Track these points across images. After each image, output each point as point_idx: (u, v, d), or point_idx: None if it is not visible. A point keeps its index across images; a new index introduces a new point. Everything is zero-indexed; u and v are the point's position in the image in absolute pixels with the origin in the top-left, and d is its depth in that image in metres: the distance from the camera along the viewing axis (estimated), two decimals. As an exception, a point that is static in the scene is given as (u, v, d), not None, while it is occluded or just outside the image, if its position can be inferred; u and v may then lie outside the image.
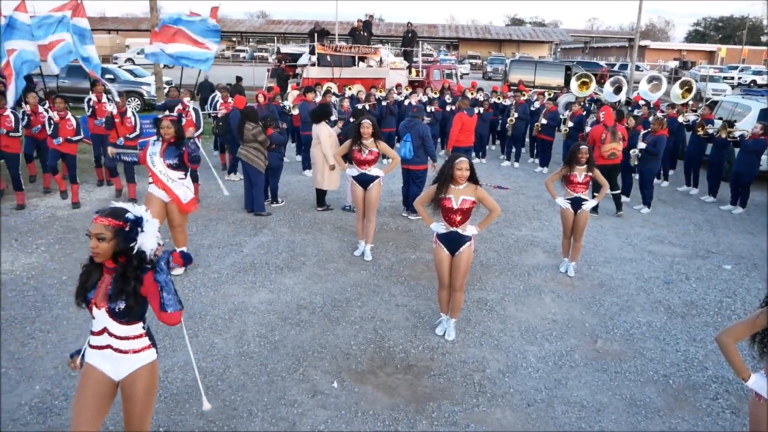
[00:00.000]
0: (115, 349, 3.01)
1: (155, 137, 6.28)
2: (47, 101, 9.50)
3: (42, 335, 5.09)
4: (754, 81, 39.33)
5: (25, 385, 4.39)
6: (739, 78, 40.60)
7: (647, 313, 6.06)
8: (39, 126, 8.93)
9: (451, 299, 5.25)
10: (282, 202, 9.27)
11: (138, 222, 2.91)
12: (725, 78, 38.65)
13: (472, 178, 4.94)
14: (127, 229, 2.87)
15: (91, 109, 9.65)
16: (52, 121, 8.55)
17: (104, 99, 9.69)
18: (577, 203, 6.73)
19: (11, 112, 8.58)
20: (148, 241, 2.93)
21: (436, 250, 5.18)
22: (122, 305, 2.90)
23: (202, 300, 5.86)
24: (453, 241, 5.05)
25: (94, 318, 3.00)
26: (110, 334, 2.99)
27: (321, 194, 9.01)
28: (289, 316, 5.61)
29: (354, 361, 4.90)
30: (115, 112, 8.93)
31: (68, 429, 3.90)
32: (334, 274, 6.65)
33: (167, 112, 8.64)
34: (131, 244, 2.88)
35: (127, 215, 2.89)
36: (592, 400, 4.52)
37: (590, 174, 6.68)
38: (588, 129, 11.48)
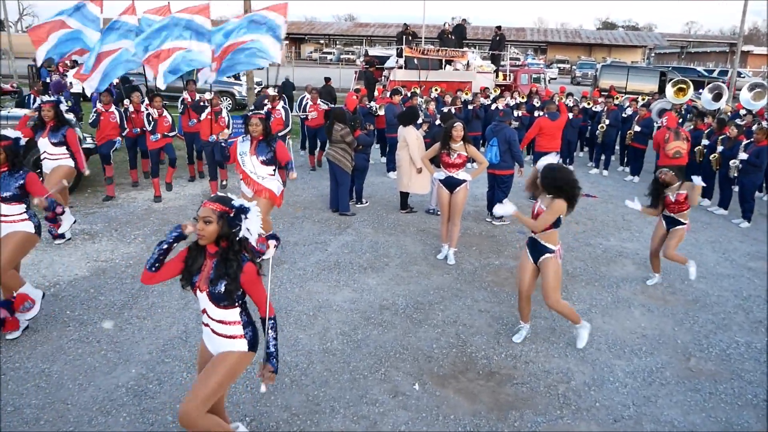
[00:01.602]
0: (212, 330, 3.27)
1: (243, 135, 6.53)
2: (146, 99, 10.07)
3: (138, 321, 5.40)
4: None
5: (122, 367, 4.67)
6: None
7: (746, 333, 5.72)
8: (138, 129, 9.44)
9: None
10: (366, 202, 9.40)
11: (242, 210, 3.12)
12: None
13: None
14: (231, 214, 3.09)
15: (183, 107, 10.14)
16: (151, 118, 9.06)
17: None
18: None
19: (116, 109, 9.16)
20: (253, 226, 3.13)
21: (522, 255, 5.20)
22: (222, 288, 3.12)
23: (288, 296, 6.04)
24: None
25: (197, 299, 3.26)
26: (209, 316, 3.25)
27: (405, 197, 9.07)
28: (372, 316, 5.69)
29: (436, 364, 4.91)
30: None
31: (161, 412, 4.14)
32: (416, 277, 6.68)
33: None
34: (234, 229, 3.08)
35: (232, 202, 3.12)
36: (684, 420, 4.32)
37: (684, 192, 6.37)
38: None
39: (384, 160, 12.29)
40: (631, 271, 7.10)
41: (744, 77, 31.05)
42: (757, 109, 13.23)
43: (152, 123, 9.02)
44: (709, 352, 5.32)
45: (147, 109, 9.15)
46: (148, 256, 6.75)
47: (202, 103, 9.62)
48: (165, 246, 3.20)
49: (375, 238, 7.88)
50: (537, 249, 5.02)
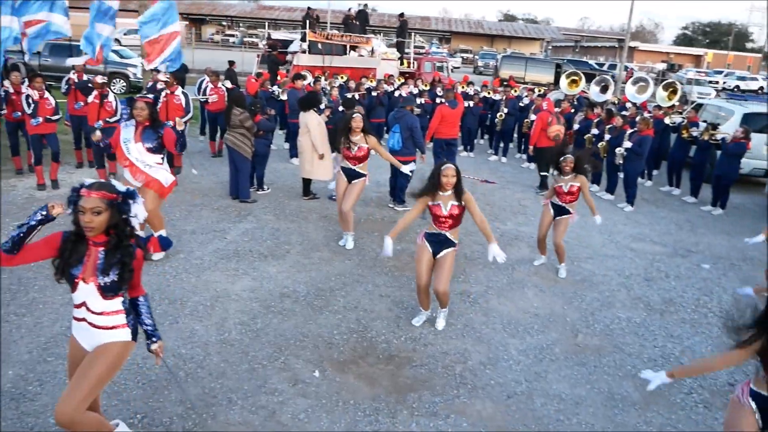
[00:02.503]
0: (90, 323, 3.06)
1: (126, 120, 6.15)
2: (26, 80, 9.33)
3: (17, 319, 5.01)
4: (737, 86, 39.75)
5: (-1, 368, 4.34)
6: (724, 83, 41.00)
7: (627, 309, 6.12)
8: (20, 113, 8.75)
9: (438, 299, 5.24)
10: (268, 189, 9.22)
11: (130, 194, 2.97)
12: (710, 82, 39.01)
13: (458, 187, 4.92)
14: (120, 200, 2.92)
15: (67, 87, 9.50)
16: (31, 100, 8.39)
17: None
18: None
19: None
20: (140, 211, 3.00)
21: (419, 246, 5.21)
22: (114, 278, 2.95)
23: (184, 286, 5.82)
24: (439, 243, 5.09)
25: (75, 292, 3.02)
26: (88, 309, 3.03)
27: (307, 183, 8.98)
28: (272, 305, 5.60)
29: (336, 350, 4.90)
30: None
31: (41, 415, 3.88)
32: (318, 263, 6.64)
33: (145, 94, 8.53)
34: (124, 216, 2.93)
35: (117, 188, 2.95)
36: (571, 393, 4.57)
37: (578, 184, 6.60)
38: (576, 126, 11.59)
39: (287, 145, 12.10)
40: (526, 254, 7.41)
41: (630, 70, 33.10)
42: (640, 101, 14.13)
43: (32, 105, 8.36)
44: (595, 328, 5.65)
45: (27, 90, 8.48)
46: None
47: (90, 84, 9.03)
48: (26, 229, 2.95)
49: (276, 225, 7.76)
50: (443, 243, 5.09)
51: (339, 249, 7.10)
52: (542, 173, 10.62)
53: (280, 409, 4.13)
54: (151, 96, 7.54)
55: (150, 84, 10.49)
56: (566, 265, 6.87)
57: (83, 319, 3.07)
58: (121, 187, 2.98)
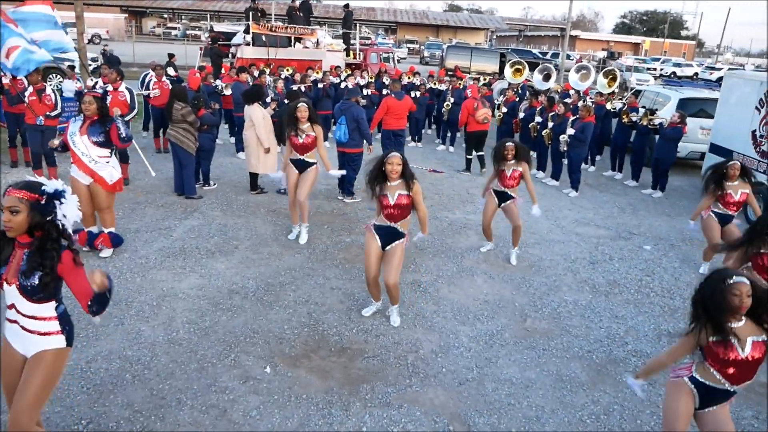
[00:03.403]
0: (22, 327, 2.95)
1: (76, 115, 6.01)
2: None
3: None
4: (674, 72, 41.21)
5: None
6: (661, 69, 42.46)
7: (573, 292, 6.27)
8: None
9: (388, 292, 5.19)
10: (214, 184, 9.04)
11: (55, 195, 2.85)
12: (648, 69, 40.33)
13: (405, 175, 4.90)
14: (43, 202, 2.81)
15: (4, 89, 9.07)
16: None
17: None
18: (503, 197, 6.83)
19: None
20: (70, 212, 2.88)
21: (368, 238, 5.15)
22: (35, 281, 2.83)
23: (129, 286, 5.66)
24: (388, 235, 5.05)
25: (4, 293, 2.92)
26: (18, 311, 2.92)
27: (254, 177, 8.84)
28: (221, 302, 5.50)
29: (287, 345, 4.86)
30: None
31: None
32: (267, 258, 6.55)
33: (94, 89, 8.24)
34: (49, 218, 2.82)
35: (43, 188, 2.84)
36: (521, 376, 4.65)
37: (520, 169, 6.68)
38: (521, 115, 11.77)
39: (233, 140, 11.89)
40: (475, 242, 7.49)
41: (572, 59, 33.85)
42: (583, 89, 14.45)
43: None
44: (543, 312, 5.77)
45: None
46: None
47: (18, 93, 8.62)
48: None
49: (223, 220, 7.61)
50: (392, 235, 5.05)
51: (288, 243, 7.02)
52: (468, 156, 11.18)
53: (231, 407, 4.06)
54: (99, 90, 7.28)
55: (92, 84, 10.13)
56: (516, 251, 6.97)
57: (15, 321, 2.96)
58: (50, 187, 2.86)
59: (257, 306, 5.47)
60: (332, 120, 12.63)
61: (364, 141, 8.54)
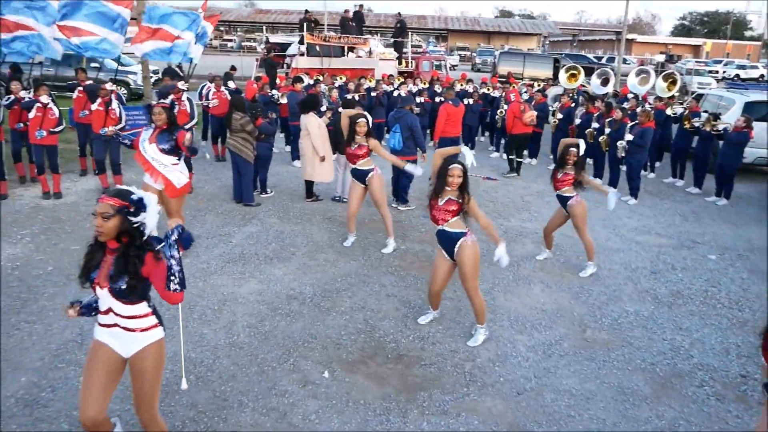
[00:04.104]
0: (123, 328, 3.12)
1: (147, 125, 6.30)
2: (32, 90, 9.34)
3: (28, 326, 5.04)
4: (737, 75, 39.67)
5: (11, 377, 4.34)
6: (724, 72, 40.91)
7: (634, 302, 6.11)
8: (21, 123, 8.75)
9: (471, 306, 5.12)
10: (271, 192, 9.23)
11: (141, 202, 3.02)
12: (710, 72, 38.93)
13: (463, 187, 4.82)
14: (131, 209, 2.98)
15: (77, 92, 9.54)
16: (35, 110, 8.38)
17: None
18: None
19: None
20: (151, 220, 3.05)
21: (437, 254, 5.14)
22: (123, 285, 3.00)
23: (191, 291, 5.83)
24: (443, 239, 4.98)
25: (98, 298, 3.10)
26: (116, 314, 3.10)
27: (310, 185, 8.98)
28: (279, 307, 5.61)
29: (344, 351, 4.91)
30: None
31: (55, 420, 3.89)
32: (323, 265, 6.64)
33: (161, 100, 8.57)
34: (135, 224, 2.99)
35: (131, 196, 3.01)
36: (581, 388, 4.56)
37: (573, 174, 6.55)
38: (578, 121, 11.58)
39: (288, 149, 12.11)
40: (531, 250, 7.40)
41: (629, 63, 33.07)
42: (642, 93, 14.10)
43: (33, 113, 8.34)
44: (603, 322, 5.64)
45: (32, 100, 8.48)
46: (36, 257, 6.35)
47: (97, 91, 9.04)
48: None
49: (281, 227, 7.76)
50: (449, 238, 4.94)
51: (344, 250, 7.11)
52: (511, 158, 11.49)
53: (291, 410, 4.13)
54: (167, 101, 7.60)
55: (162, 88, 10.52)
56: (572, 260, 6.84)
57: (115, 325, 3.13)
58: (136, 196, 3.03)
59: (315, 311, 5.55)
60: (385, 128, 12.76)
61: (418, 149, 8.55)
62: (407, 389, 4.44)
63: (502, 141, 13.31)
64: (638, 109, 10.48)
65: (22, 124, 8.69)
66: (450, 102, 10.26)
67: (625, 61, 30.91)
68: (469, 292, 5.04)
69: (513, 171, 11.44)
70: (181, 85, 9.65)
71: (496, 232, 5.05)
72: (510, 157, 11.49)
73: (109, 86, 8.88)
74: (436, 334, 5.23)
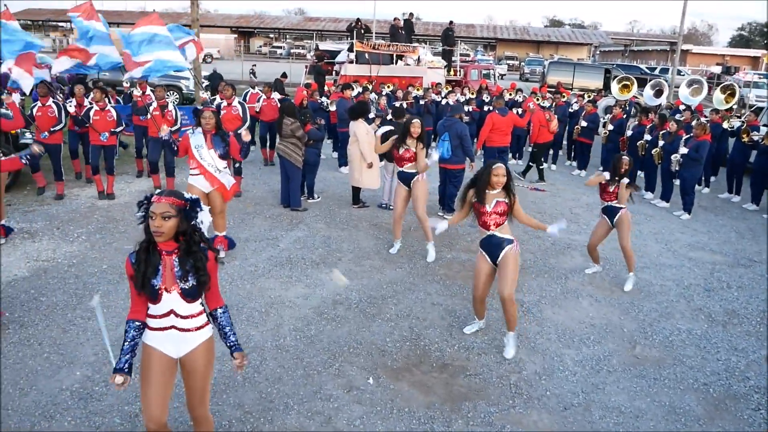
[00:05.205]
0: (179, 329, 3.14)
1: (192, 128, 6.44)
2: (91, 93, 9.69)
3: (83, 322, 5.22)
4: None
5: (66, 370, 4.50)
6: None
7: (687, 320, 5.94)
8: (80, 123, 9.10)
9: (504, 311, 5.02)
10: (318, 198, 9.34)
11: (198, 202, 3.07)
12: (770, 84, 37.53)
13: (508, 187, 4.86)
14: (188, 207, 3.01)
15: (133, 102, 9.87)
16: (91, 112, 8.71)
17: (148, 91, 9.90)
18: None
19: (53, 102, 8.77)
20: (206, 219, 3.10)
21: (478, 258, 5.11)
22: (193, 282, 3.03)
23: (239, 293, 5.94)
24: (491, 246, 4.95)
25: (158, 303, 3.07)
26: (176, 315, 3.11)
27: (356, 191, 9.04)
28: (325, 311, 5.65)
29: (389, 358, 4.91)
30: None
31: (108, 414, 4.01)
32: (369, 271, 6.67)
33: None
34: (192, 222, 3.02)
35: (185, 195, 3.05)
36: (631, 406, 4.45)
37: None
38: (629, 133, 11.34)
39: (336, 155, 12.23)
40: (580, 263, 7.27)
41: (683, 75, 32.22)
42: (695, 104, 13.74)
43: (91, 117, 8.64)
44: (653, 339, 5.50)
45: (91, 104, 8.83)
46: (91, 255, 6.58)
47: (145, 105, 9.33)
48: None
49: (327, 233, 7.84)
50: (497, 244, 4.93)
51: (390, 257, 7.12)
52: (540, 167, 11.46)
53: (336, 415, 4.16)
54: (214, 105, 7.80)
55: (211, 100, 10.82)
56: (623, 275, 6.68)
57: (171, 327, 3.12)
58: (188, 195, 3.08)
59: (360, 317, 5.57)
60: (433, 136, 12.76)
61: (467, 157, 8.52)
62: (452, 399, 4.41)
63: (550, 151, 13.13)
64: (693, 122, 10.22)
65: (78, 127, 9.04)
66: (497, 111, 10.20)
67: (679, 72, 30.12)
68: (507, 300, 4.90)
69: (541, 179, 11.40)
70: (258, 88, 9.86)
71: (538, 221, 5.22)
72: (540, 167, 11.47)
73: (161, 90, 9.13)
74: (481, 345, 5.19)
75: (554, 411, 4.34)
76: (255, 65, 20.61)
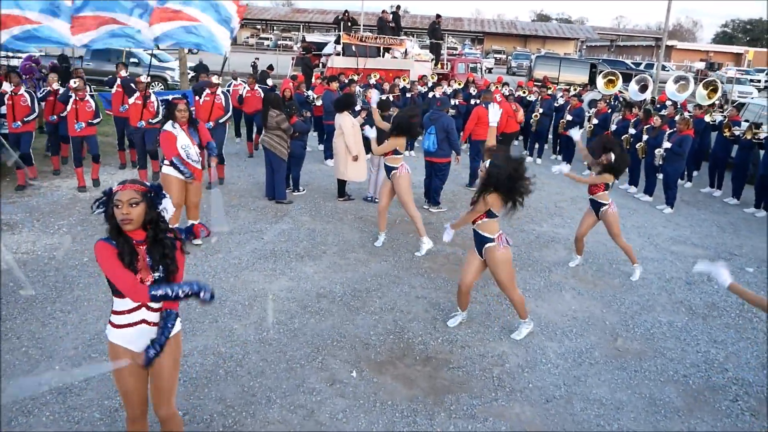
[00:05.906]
0: (150, 323, 3.04)
1: (166, 124, 6.41)
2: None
3: (63, 315, 5.16)
4: (779, 84, 38.56)
5: (45, 364, 4.45)
6: (766, 81, 39.81)
7: (668, 313, 6.00)
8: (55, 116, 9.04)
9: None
10: (303, 190, 9.29)
11: (160, 189, 2.99)
12: (752, 81, 37.91)
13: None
14: (152, 194, 2.93)
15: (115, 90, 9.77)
16: (71, 102, 8.58)
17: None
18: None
19: (25, 91, 8.63)
20: (170, 206, 3.01)
21: (470, 248, 5.21)
22: (161, 273, 2.95)
23: (223, 285, 5.91)
24: (477, 241, 5.06)
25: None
26: (147, 308, 3.01)
27: (342, 184, 9.02)
28: (309, 305, 5.64)
29: (373, 351, 4.91)
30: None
31: (87, 409, 3.97)
32: (354, 264, 6.66)
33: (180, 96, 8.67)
34: (158, 209, 2.94)
35: (147, 183, 2.98)
36: (612, 398, 4.49)
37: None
38: (614, 127, 11.40)
39: (321, 147, 12.18)
40: (563, 256, 7.31)
41: (668, 71, 32.45)
42: (681, 100, 13.83)
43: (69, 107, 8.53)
44: (635, 332, 5.55)
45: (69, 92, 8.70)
46: (72, 248, 6.50)
47: (133, 84, 9.22)
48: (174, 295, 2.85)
49: (312, 226, 7.81)
50: (478, 241, 5.03)
51: (375, 250, 7.11)
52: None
53: (319, 408, 4.15)
54: (181, 96, 7.73)
55: (197, 84, 10.67)
56: (605, 268, 6.74)
57: (141, 322, 3.01)
58: (153, 183, 3.03)
59: (344, 311, 5.57)
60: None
61: (453, 151, 8.52)
62: (435, 392, 4.42)
63: (536, 145, 13.17)
64: (677, 117, 10.29)
65: (55, 117, 8.93)
66: (483, 105, 10.19)
67: (664, 68, 30.31)
68: (505, 292, 5.12)
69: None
70: (214, 79, 9.75)
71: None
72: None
73: (143, 79, 9.03)
74: (465, 338, 5.20)
75: (536, 403, 4.37)
76: (258, 59, 20.30)
